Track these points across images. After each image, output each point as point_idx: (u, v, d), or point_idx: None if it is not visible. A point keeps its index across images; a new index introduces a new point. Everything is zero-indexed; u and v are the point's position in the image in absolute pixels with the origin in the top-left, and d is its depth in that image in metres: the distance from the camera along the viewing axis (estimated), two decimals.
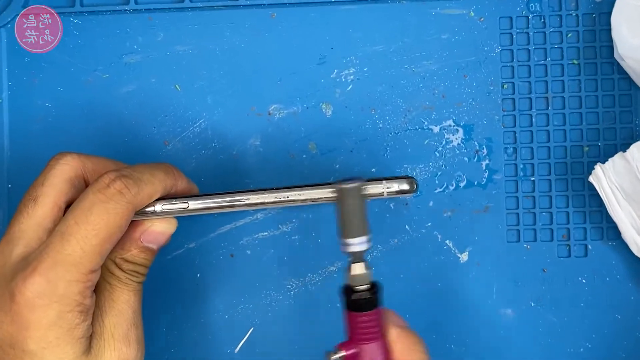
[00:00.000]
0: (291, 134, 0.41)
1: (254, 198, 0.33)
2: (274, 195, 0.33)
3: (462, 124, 0.41)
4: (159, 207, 0.33)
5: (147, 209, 0.33)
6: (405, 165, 0.42)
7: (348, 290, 0.32)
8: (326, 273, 0.42)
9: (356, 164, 0.41)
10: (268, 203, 0.33)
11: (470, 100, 0.41)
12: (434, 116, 0.41)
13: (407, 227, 0.42)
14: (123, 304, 0.33)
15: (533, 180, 0.41)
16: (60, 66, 0.41)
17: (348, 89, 0.41)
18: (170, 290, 0.42)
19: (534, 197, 0.41)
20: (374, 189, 0.33)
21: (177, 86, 0.42)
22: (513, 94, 0.41)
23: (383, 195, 0.32)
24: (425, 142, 0.41)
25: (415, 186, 0.33)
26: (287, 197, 0.33)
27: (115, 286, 0.33)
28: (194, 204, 0.33)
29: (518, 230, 0.41)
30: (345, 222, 0.32)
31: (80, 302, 0.31)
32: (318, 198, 0.33)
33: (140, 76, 0.41)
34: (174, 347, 0.42)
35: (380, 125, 0.41)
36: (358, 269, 0.32)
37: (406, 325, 0.33)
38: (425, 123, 0.41)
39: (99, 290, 0.33)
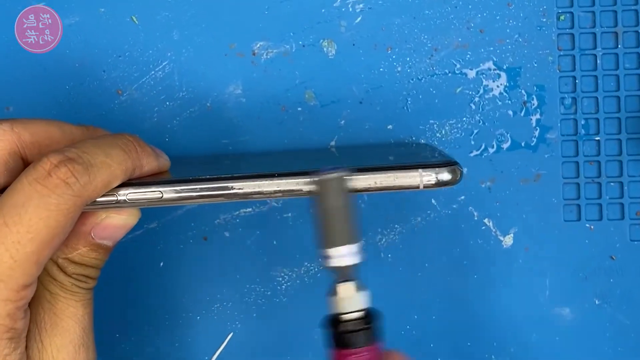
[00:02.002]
0: (282, 80, 0.38)
1: (250, 186, 0.30)
2: (278, 183, 0.30)
3: (505, 67, 0.38)
4: (122, 195, 0.30)
5: (106, 199, 0.30)
6: (431, 121, 0.38)
7: (333, 321, 0.29)
8: None
9: (367, 119, 0.38)
10: (270, 193, 0.30)
11: (516, 36, 0.38)
12: (469, 57, 0.38)
13: (433, 201, 0.39)
14: (68, 319, 0.30)
15: (598, 141, 0.38)
16: None
17: (357, 21, 0.38)
18: (124, 285, 0.39)
19: (598, 162, 0.38)
20: (406, 179, 0.30)
21: (133, 18, 0.38)
22: (572, 27, 0.38)
23: (419, 187, 0.30)
24: (458, 91, 0.38)
25: (459, 176, 0.30)
26: (301, 187, 0.30)
27: (57, 296, 0.30)
28: (169, 193, 0.30)
29: (578, 206, 0.38)
30: (326, 226, 0.29)
31: (10, 327, 0.28)
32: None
33: (85, 5, 0.38)
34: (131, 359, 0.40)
35: (399, 69, 0.38)
36: (345, 290, 0.29)
37: None
38: (458, 66, 0.38)
39: (36, 301, 0.30)
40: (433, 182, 0.30)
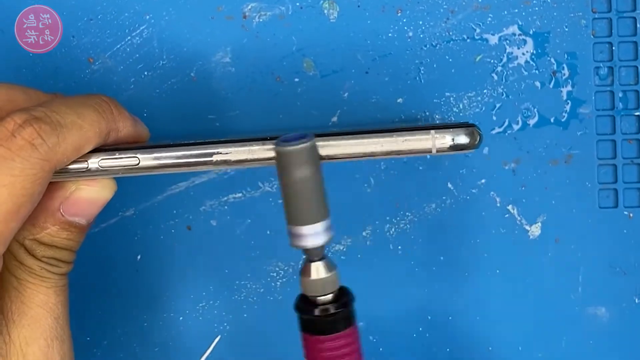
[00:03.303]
0: (277, 47, 0.37)
1: (237, 153, 0.30)
2: (268, 147, 0.29)
3: (531, 32, 0.37)
4: (93, 162, 0.29)
5: (76, 166, 0.29)
6: (447, 94, 0.37)
7: (304, 304, 0.30)
8: (330, 254, 0.37)
9: (373, 91, 0.37)
10: (264, 160, 0.30)
11: None
12: (490, 20, 0.37)
13: (449, 185, 0.38)
14: (39, 307, 0.30)
15: (637, 116, 0.37)
16: None
17: None
18: (96, 281, 0.38)
19: (638, 140, 0.37)
20: (416, 142, 0.29)
21: None
22: None
23: (431, 152, 0.29)
24: (477, 59, 0.37)
25: (478, 139, 0.29)
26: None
27: (25, 282, 0.30)
28: (146, 159, 0.30)
29: (615, 191, 0.37)
30: (293, 202, 0.29)
31: None
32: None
33: None
34: None
35: (410, 34, 0.37)
36: (316, 271, 0.29)
37: None
38: (477, 31, 0.37)
39: (1, 288, 0.30)
40: (448, 146, 0.29)
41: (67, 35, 0.38)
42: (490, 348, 0.38)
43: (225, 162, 0.30)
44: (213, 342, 0.38)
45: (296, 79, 0.37)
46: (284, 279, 0.38)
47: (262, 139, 0.30)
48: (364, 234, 0.38)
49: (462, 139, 0.29)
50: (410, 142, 0.29)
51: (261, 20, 0.37)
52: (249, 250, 0.38)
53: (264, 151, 0.30)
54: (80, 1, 0.37)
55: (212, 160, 0.30)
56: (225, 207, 0.38)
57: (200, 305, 0.38)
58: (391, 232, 0.37)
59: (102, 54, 0.37)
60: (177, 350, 0.39)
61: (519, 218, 0.37)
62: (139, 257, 0.38)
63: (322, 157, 0.30)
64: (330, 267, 0.30)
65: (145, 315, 0.38)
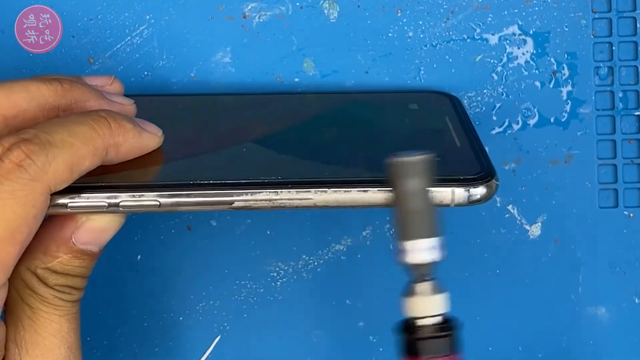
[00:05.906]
0: (277, 47, 0.38)
1: (260, 196, 0.29)
2: (317, 192, 0.29)
3: (532, 32, 0.37)
4: (113, 202, 0.29)
5: (94, 204, 0.29)
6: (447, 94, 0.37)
7: (407, 326, 0.29)
8: (330, 254, 0.38)
9: (373, 91, 0.37)
10: (291, 207, 0.29)
11: None
12: (491, 20, 0.37)
13: None
14: (52, 337, 0.30)
15: (638, 116, 0.37)
16: None
17: None
18: (96, 282, 0.36)
19: (638, 140, 0.37)
20: (436, 197, 0.29)
21: None
22: None
23: (450, 205, 0.30)
24: (477, 59, 0.37)
25: (494, 190, 0.29)
26: (338, 197, 0.29)
27: (38, 311, 0.30)
28: (168, 202, 0.29)
29: (615, 191, 0.37)
30: (405, 216, 0.28)
31: None
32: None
33: None
34: None
35: (410, 34, 0.37)
36: (423, 291, 0.29)
37: None
38: (478, 30, 0.37)
39: (15, 317, 0.30)
40: (466, 202, 0.29)
41: (67, 35, 0.38)
42: (490, 348, 0.38)
43: (248, 207, 0.29)
44: (213, 342, 0.38)
45: (296, 79, 0.37)
46: (284, 279, 0.38)
47: (284, 183, 0.29)
48: (364, 234, 0.38)
49: (480, 191, 0.29)
50: (428, 194, 0.29)
51: (261, 20, 0.37)
52: (249, 250, 0.38)
53: (299, 194, 0.29)
54: (80, 1, 0.37)
55: (233, 205, 0.29)
56: None
57: (200, 305, 0.38)
58: (391, 232, 0.37)
59: (102, 54, 0.37)
60: (177, 350, 0.39)
61: (519, 218, 0.37)
62: (139, 257, 0.38)
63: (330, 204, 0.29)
64: (435, 289, 0.29)
65: (145, 315, 0.38)
